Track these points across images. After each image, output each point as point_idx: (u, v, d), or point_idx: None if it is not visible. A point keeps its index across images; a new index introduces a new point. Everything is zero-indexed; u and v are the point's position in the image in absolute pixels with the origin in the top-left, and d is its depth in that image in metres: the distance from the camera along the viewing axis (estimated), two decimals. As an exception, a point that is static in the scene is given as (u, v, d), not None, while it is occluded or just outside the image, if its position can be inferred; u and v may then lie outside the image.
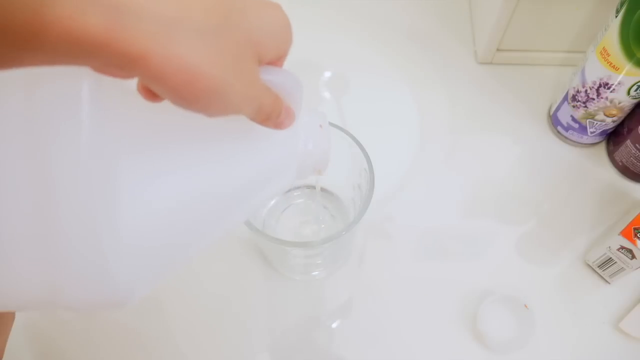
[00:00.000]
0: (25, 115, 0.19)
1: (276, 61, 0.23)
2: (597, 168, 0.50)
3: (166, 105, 0.20)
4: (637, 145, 0.46)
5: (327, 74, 0.55)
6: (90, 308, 0.21)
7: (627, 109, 0.46)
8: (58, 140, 0.18)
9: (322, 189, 0.46)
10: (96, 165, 0.19)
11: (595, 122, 0.47)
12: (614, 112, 0.46)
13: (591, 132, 0.49)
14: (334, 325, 0.43)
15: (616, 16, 0.40)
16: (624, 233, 0.40)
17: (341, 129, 0.37)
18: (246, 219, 0.29)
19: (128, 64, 0.17)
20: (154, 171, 0.21)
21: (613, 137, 0.50)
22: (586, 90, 0.45)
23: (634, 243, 0.39)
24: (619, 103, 0.44)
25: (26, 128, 0.19)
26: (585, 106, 0.47)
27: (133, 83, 0.21)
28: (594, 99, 0.45)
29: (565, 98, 0.49)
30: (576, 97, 0.47)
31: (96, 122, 0.19)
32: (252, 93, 0.20)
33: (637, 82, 0.42)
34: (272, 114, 0.22)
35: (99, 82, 0.19)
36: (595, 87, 0.44)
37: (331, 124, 0.37)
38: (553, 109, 0.51)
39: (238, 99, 0.20)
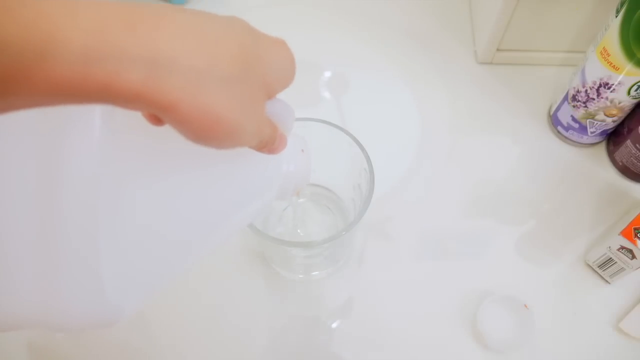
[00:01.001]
0: (38, 131, 0.19)
1: None
2: (597, 168, 0.50)
3: (165, 130, 0.21)
4: (637, 145, 0.46)
5: (327, 74, 0.55)
6: (80, 328, 0.22)
7: (627, 109, 0.46)
8: (67, 160, 0.19)
9: (324, 188, 0.46)
10: (102, 185, 0.20)
11: (596, 122, 0.47)
12: (614, 112, 0.46)
13: (591, 132, 0.49)
14: (334, 325, 0.43)
15: (616, 16, 0.40)
16: (624, 233, 0.40)
17: (341, 129, 0.37)
18: (230, 237, 0.31)
19: (157, 110, 0.18)
20: (149, 193, 0.22)
21: (613, 137, 0.50)
22: (586, 90, 0.45)
23: (634, 243, 0.39)
24: (619, 103, 0.44)
25: (38, 144, 0.19)
26: (586, 106, 0.46)
27: None
28: (594, 99, 0.45)
29: (565, 98, 0.49)
30: (576, 97, 0.47)
31: (106, 141, 0.20)
32: (259, 130, 0.22)
33: (637, 82, 0.42)
34: (269, 143, 0.24)
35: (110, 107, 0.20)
36: (596, 87, 0.44)
37: (331, 124, 0.37)
38: (553, 109, 0.51)
39: (249, 136, 0.21)
